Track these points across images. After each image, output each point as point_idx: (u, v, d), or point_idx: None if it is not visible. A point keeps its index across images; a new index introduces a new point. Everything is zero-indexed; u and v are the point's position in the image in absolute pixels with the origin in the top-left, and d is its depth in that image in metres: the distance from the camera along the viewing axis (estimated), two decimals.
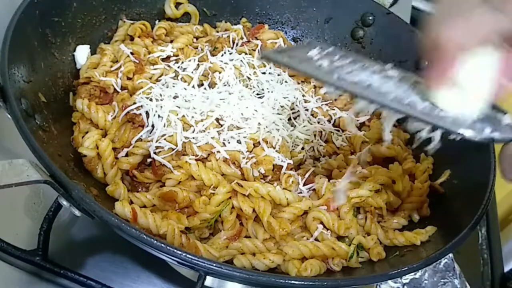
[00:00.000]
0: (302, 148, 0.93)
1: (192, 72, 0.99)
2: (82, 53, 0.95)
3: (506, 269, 1.07)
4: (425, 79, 0.55)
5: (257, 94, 1.00)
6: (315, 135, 0.96)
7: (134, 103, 0.88)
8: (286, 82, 1.07)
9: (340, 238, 0.82)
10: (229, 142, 0.87)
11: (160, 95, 0.91)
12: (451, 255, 0.92)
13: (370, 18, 1.15)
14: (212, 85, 0.99)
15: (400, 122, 1.08)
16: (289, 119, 0.98)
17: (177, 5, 1.16)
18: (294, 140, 0.93)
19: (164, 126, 0.86)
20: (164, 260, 0.66)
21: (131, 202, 0.78)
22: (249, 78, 1.02)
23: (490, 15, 0.49)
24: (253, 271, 0.72)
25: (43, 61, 0.85)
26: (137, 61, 0.98)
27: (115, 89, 0.92)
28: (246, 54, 1.07)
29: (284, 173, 0.86)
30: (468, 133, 0.55)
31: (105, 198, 0.80)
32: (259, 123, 0.90)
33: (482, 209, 0.76)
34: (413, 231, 0.83)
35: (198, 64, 1.01)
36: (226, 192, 0.79)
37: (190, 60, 1.02)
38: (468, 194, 0.84)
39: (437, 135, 0.60)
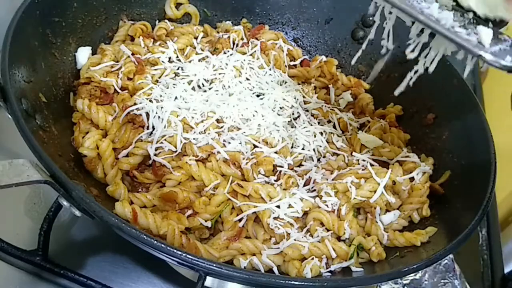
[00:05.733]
0: (303, 149, 0.93)
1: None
2: (83, 54, 0.95)
3: (506, 270, 1.06)
4: None
5: (257, 95, 1.00)
6: (315, 136, 0.96)
7: (135, 103, 0.89)
8: (286, 82, 1.07)
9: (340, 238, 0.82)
10: (229, 143, 0.87)
11: (160, 96, 0.91)
12: (451, 255, 0.92)
13: (371, 18, 1.15)
14: (212, 86, 0.99)
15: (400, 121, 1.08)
16: (290, 120, 0.98)
17: (178, 5, 1.16)
18: (294, 141, 0.93)
19: (165, 127, 0.86)
20: (164, 260, 0.66)
21: (131, 203, 0.78)
22: (248, 79, 1.02)
23: None
24: (253, 272, 0.72)
25: (43, 61, 0.85)
26: (137, 62, 0.98)
27: (115, 89, 0.92)
28: (246, 54, 1.07)
29: (285, 173, 0.87)
30: (488, 57, 0.58)
31: (105, 198, 0.80)
32: (259, 124, 0.90)
33: (482, 210, 0.76)
34: (414, 232, 0.83)
35: (198, 65, 1.01)
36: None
37: (190, 61, 1.02)
38: (469, 195, 0.84)
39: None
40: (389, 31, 0.72)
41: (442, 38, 0.61)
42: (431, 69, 0.70)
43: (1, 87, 0.69)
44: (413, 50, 0.70)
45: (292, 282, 0.62)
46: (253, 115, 0.92)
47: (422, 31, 0.69)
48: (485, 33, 0.59)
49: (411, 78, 0.73)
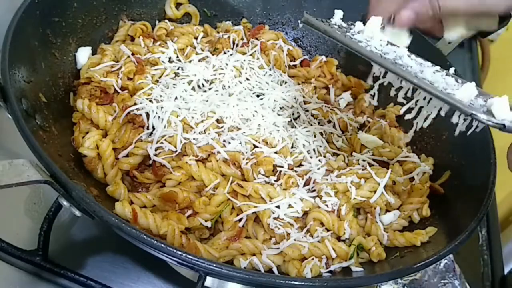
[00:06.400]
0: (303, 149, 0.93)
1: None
2: (83, 54, 0.95)
3: (506, 270, 1.06)
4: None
5: (257, 95, 1.00)
6: (315, 136, 0.96)
7: (135, 103, 0.88)
8: (286, 83, 1.07)
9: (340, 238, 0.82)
10: (229, 143, 0.87)
11: (160, 96, 0.91)
12: (451, 256, 0.92)
13: None
14: (212, 86, 0.99)
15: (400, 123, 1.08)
16: (290, 120, 0.98)
17: (178, 5, 1.16)
18: (294, 141, 0.93)
19: (165, 127, 0.86)
20: (164, 260, 0.66)
21: (131, 203, 0.78)
22: (248, 79, 1.02)
23: None
24: (253, 272, 0.72)
25: (43, 61, 0.85)
26: (137, 62, 0.98)
27: (115, 89, 0.92)
28: (246, 54, 1.07)
29: (285, 173, 0.87)
30: (482, 117, 0.59)
31: (105, 198, 0.80)
32: (259, 124, 0.90)
33: (482, 210, 0.76)
34: (414, 232, 0.83)
35: (198, 65, 1.01)
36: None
37: (190, 61, 1.02)
38: (469, 195, 0.84)
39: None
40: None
41: (437, 101, 0.64)
42: (425, 125, 0.73)
43: (1, 87, 0.69)
44: (409, 112, 0.74)
45: (292, 282, 0.62)
46: (253, 115, 0.92)
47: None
48: (469, 88, 0.62)
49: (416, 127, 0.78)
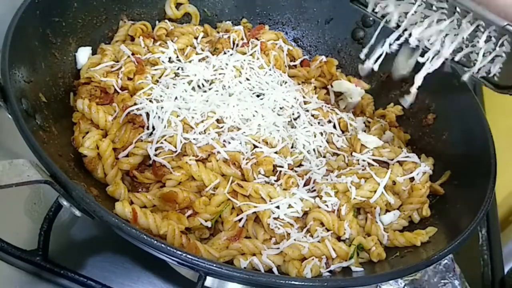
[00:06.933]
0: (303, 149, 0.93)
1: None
2: (83, 54, 0.95)
3: (506, 270, 1.06)
4: None
5: (257, 95, 1.00)
6: (315, 136, 0.96)
7: (135, 103, 0.89)
8: (286, 83, 1.07)
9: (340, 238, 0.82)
10: (229, 143, 0.87)
11: (161, 96, 0.91)
12: (451, 256, 0.92)
13: (371, 18, 1.15)
14: (212, 86, 0.99)
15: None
16: (290, 120, 0.98)
17: (178, 5, 1.16)
18: (294, 141, 0.93)
19: (165, 127, 0.86)
20: (164, 260, 0.66)
21: (131, 203, 0.78)
22: (248, 79, 1.02)
23: None
24: (253, 272, 0.72)
25: (43, 61, 0.85)
26: (137, 62, 0.98)
27: (115, 89, 0.92)
28: (246, 54, 1.07)
29: (285, 173, 0.87)
30: None
31: (106, 198, 0.80)
32: (259, 124, 0.90)
33: (482, 210, 0.76)
34: (414, 232, 0.83)
35: (198, 65, 1.01)
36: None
37: (190, 61, 1.02)
38: (469, 195, 0.84)
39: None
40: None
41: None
42: (437, 64, 0.72)
43: (1, 87, 0.69)
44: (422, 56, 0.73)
45: (292, 282, 0.62)
46: (253, 115, 0.92)
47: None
48: None
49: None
